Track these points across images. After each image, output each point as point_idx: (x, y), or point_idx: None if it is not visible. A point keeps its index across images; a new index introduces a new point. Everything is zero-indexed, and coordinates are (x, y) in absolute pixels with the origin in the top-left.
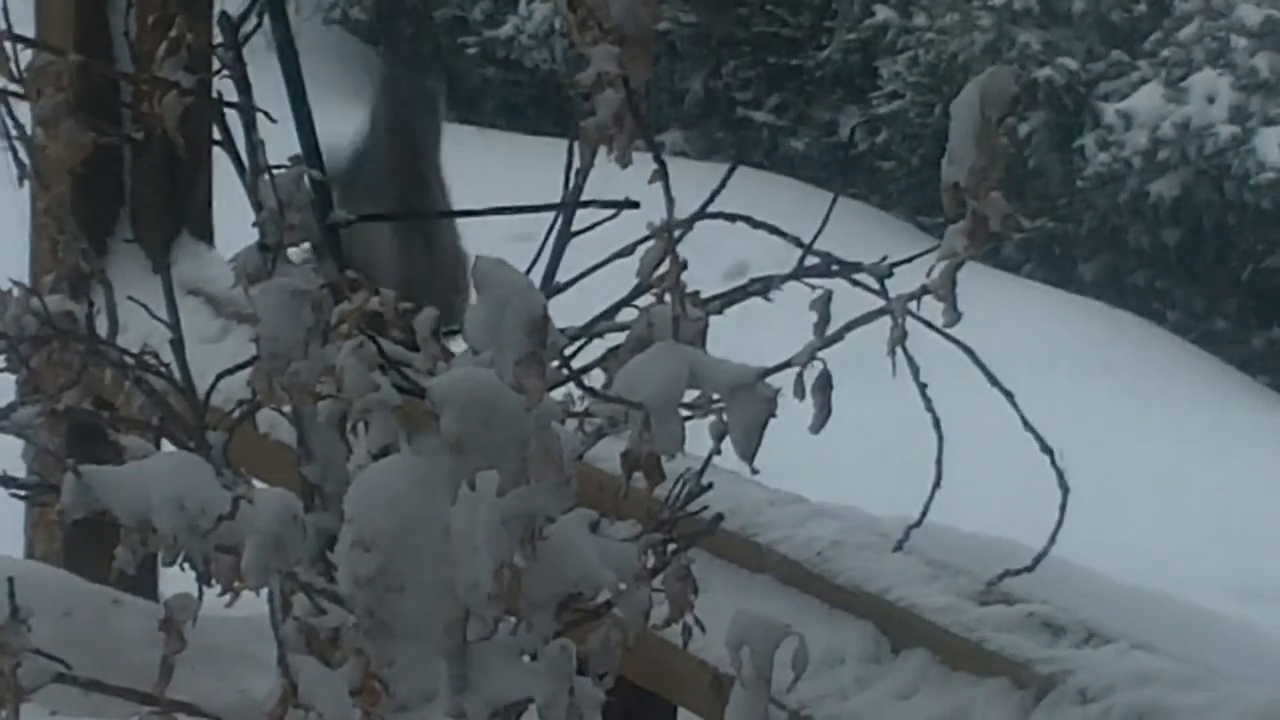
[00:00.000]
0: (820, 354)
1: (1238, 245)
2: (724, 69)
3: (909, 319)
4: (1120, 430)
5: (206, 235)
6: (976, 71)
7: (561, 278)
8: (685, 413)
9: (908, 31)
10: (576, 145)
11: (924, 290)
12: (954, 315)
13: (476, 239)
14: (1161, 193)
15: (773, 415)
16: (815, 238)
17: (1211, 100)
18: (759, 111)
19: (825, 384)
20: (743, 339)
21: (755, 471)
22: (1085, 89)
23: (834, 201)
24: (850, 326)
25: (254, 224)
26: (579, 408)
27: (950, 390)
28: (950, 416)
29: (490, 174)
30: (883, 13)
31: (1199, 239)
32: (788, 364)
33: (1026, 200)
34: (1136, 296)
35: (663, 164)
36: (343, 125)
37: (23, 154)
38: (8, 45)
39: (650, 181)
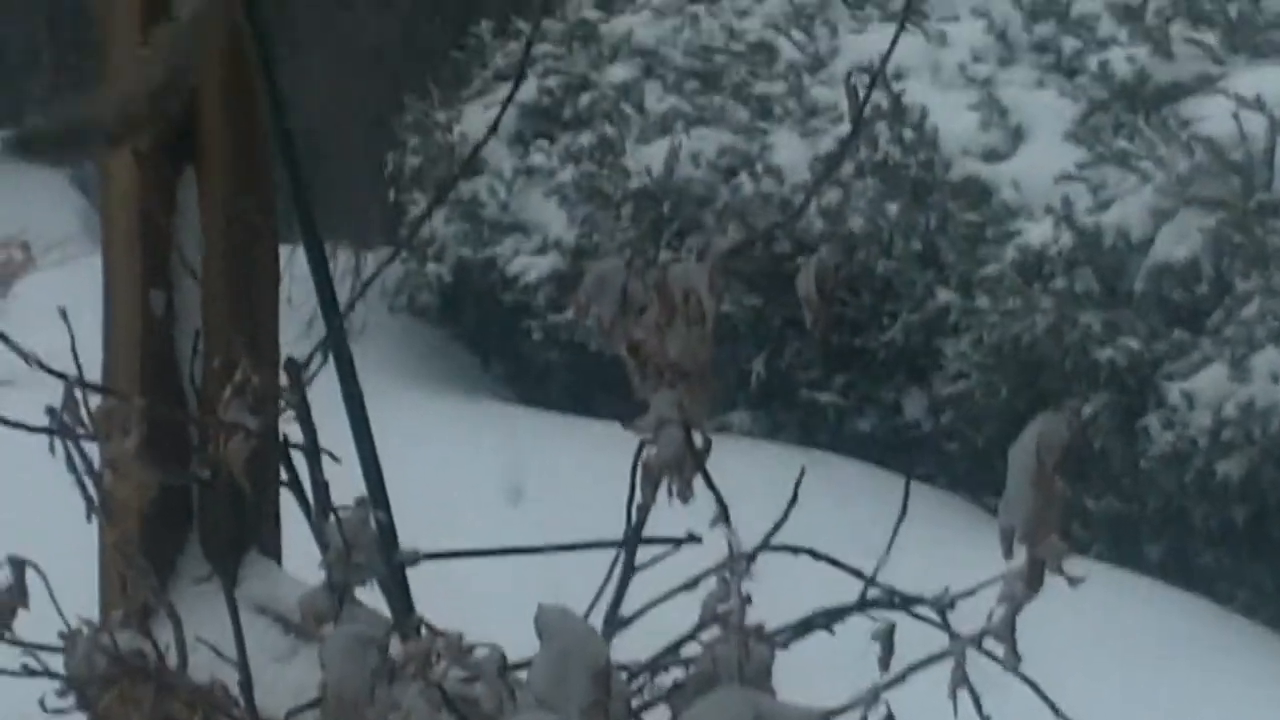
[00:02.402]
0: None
1: None
2: (787, 350)
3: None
4: (1190, 717)
5: (274, 553)
6: (1039, 352)
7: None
8: None
9: (970, 313)
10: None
11: (985, 632)
12: (1015, 660)
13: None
14: (1228, 472)
15: None
16: (877, 570)
17: (1276, 379)
18: (824, 393)
19: None
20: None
21: None
22: (1149, 369)
23: (906, 495)
24: (913, 669)
25: (320, 565)
26: None
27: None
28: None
29: (556, 460)
30: (944, 294)
31: (1267, 518)
32: (850, 706)
33: (1090, 481)
34: (1205, 577)
35: (724, 506)
36: (408, 421)
37: (91, 489)
38: (77, 391)
39: (711, 525)
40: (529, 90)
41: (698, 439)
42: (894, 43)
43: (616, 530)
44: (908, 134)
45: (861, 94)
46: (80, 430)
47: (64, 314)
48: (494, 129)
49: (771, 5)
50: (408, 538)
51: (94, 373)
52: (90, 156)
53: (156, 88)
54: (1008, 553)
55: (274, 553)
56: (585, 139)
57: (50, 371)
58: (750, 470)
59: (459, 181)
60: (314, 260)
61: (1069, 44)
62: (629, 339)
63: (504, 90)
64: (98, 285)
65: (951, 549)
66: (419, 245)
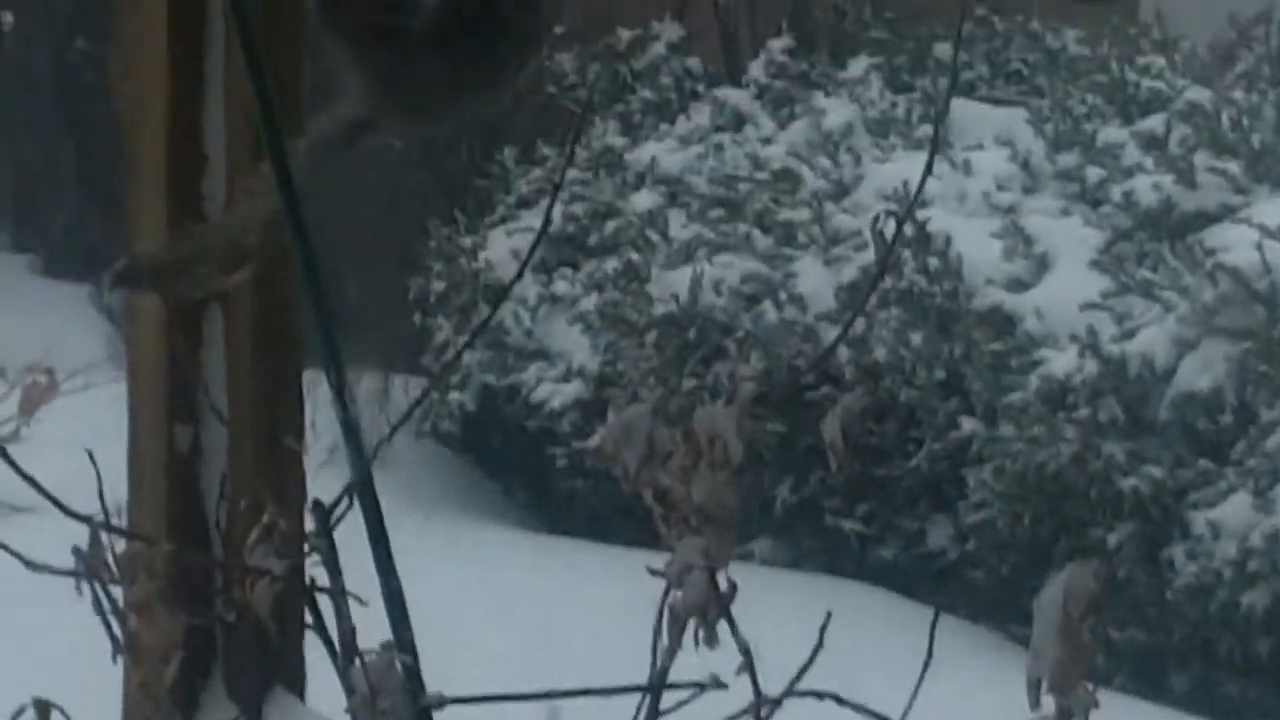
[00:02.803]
0: None
1: None
2: (811, 477)
3: None
4: None
5: (298, 687)
6: (1064, 481)
7: None
8: None
9: (994, 441)
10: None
11: None
12: None
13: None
14: (1253, 603)
15: None
16: (905, 715)
17: None
18: (847, 520)
19: None
20: None
21: None
22: (1173, 498)
23: (933, 633)
24: None
25: (346, 710)
26: None
27: None
28: None
29: (579, 589)
30: (969, 424)
31: None
32: None
33: (1115, 611)
34: (1230, 708)
35: (749, 655)
36: (432, 550)
37: (116, 629)
38: (104, 535)
39: (737, 673)
40: (554, 217)
41: (723, 582)
42: (923, 182)
43: (643, 660)
44: (932, 262)
45: (889, 234)
46: (106, 574)
47: (91, 455)
48: (526, 264)
49: (795, 133)
50: (431, 674)
51: (117, 499)
52: (202, 288)
53: (269, 217)
54: (1034, 702)
55: (298, 689)
56: (610, 266)
57: (73, 515)
58: (774, 599)
59: (481, 308)
60: (340, 401)
61: (1093, 173)
62: (655, 485)
63: (527, 217)
64: (121, 413)
65: (976, 678)
66: (442, 371)
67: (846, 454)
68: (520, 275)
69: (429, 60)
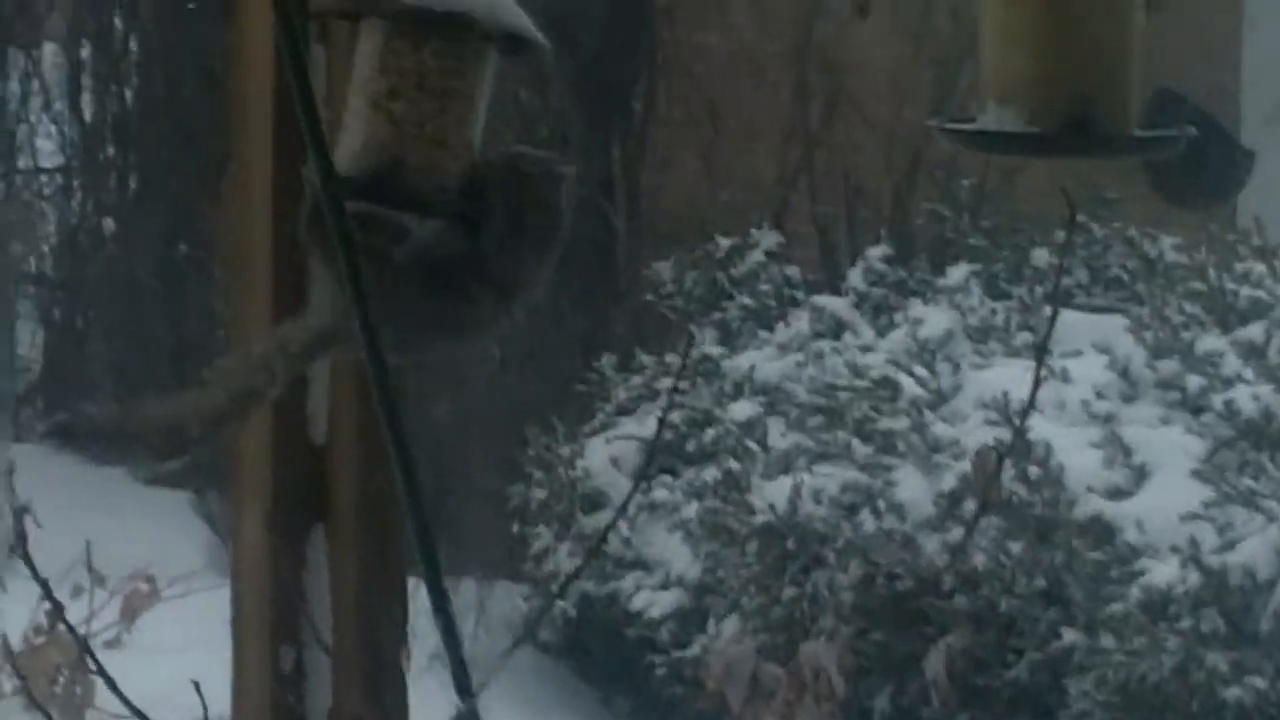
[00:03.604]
0: None
1: None
2: (910, 686)
3: None
4: None
5: None
6: (1165, 692)
7: None
8: None
9: (1095, 652)
10: None
11: None
12: None
13: None
14: None
15: None
16: None
17: None
18: None
19: None
20: None
21: None
22: (1276, 709)
23: None
24: None
25: None
26: None
27: None
28: None
29: None
30: (1069, 634)
31: None
32: None
33: None
34: None
35: None
36: None
37: None
38: None
39: None
40: (652, 426)
41: None
42: (1031, 401)
43: None
44: (1032, 470)
45: (989, 463)
46: None
47: (197, 686)
48: (637, 486)
49: (895, 341)
50: None
51: (219, 708)
52: (131, 464)
53: (213, 414)
54: None
55: None
56: (709, 474)
57: None
58: None
59: (579, 516)
60: (444, 626)
61: (1193, 381)
62: None
63: (626, 424)
64: (221, 620)
65: None
66: (542, 580)
67: (950, 691)
68: (631, 497)
69: (404, 290)
